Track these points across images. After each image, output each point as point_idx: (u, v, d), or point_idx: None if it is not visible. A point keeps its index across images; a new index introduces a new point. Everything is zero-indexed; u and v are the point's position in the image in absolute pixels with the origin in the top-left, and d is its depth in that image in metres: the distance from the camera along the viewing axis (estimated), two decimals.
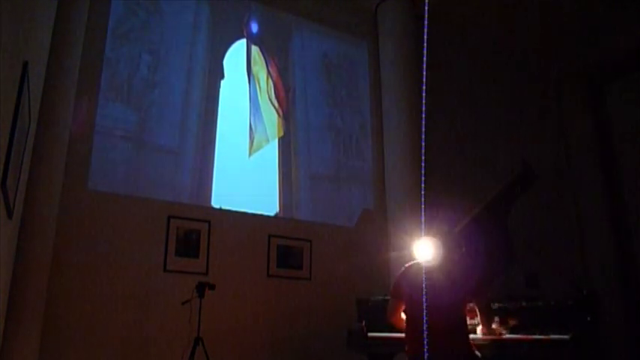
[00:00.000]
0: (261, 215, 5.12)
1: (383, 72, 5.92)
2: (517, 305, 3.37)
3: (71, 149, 4.13)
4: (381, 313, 3.69)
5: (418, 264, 2.98)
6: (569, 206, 6.59)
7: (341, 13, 6.18)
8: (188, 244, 4.56)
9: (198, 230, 4.63)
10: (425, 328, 2.54)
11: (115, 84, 4.65)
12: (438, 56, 4.53)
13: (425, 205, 2.39)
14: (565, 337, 3.01)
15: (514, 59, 6.82)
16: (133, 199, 4.44)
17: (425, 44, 2.18)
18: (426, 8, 2.45)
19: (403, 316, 3.02)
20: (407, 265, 3.09)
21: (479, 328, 3.20)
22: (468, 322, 3.02)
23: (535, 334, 3.15)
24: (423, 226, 2.90)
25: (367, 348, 3.73)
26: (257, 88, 5.48)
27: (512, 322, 3.31)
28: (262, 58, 5.55)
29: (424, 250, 2.95)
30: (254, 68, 5.48)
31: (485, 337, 3.15)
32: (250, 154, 5.26)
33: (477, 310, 3.12)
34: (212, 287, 3.86)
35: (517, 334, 3.22)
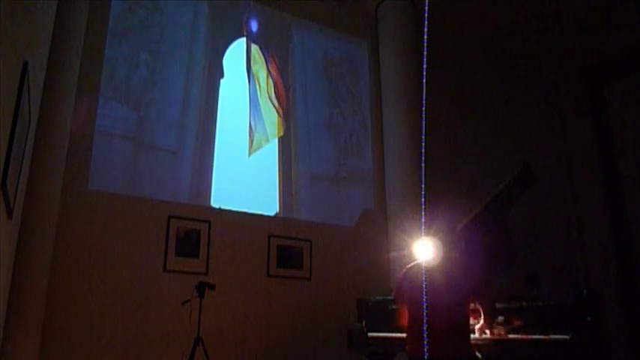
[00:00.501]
0: (261, 215, 5.12)
1: (383, 72, 5.91)
2: (517, 305, 3.36)
3: (71, 149, 4.13)
4: (381, 313, 3.69)
5: (418, 265, 2.98)
6: (569, 206, 6.59)
7: (341, 13, 6.18)
8: (188, 244, 4.56)
9: (198, 230, 4.63)
10: (425, 327, 2.54)
11: (113, 83, 4.65)
12: (438, 56, 4.53)
13: (425, 205, 2.39)
14: (565, 337, 3.00)
15: (514, 59, 6.82)
16: (132, 199, 4.44)
17: (425, 44, 2.19)
18: (426, 8, 2.46)
19: None
20: (407, 266, 3.08)
21: (477, 327, 3.19)
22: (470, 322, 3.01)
23: (535, 334, 3.14)
24: (423, 226, 2.90)
25: (367, 348, 3.72)
26: (257, 87, 5.47)
27: (512, 322, 3.31)
28: (262, 56, 5.54)
29: (424, 250, 2.94)
30: (254, 67, 5.47)
31: (484, 337, 3.15)
32: (250, 154, 5.26)
33: (481, 311, 3.11)
34: (212, 287, 3.85)
35: (517, 334, 3.22)
